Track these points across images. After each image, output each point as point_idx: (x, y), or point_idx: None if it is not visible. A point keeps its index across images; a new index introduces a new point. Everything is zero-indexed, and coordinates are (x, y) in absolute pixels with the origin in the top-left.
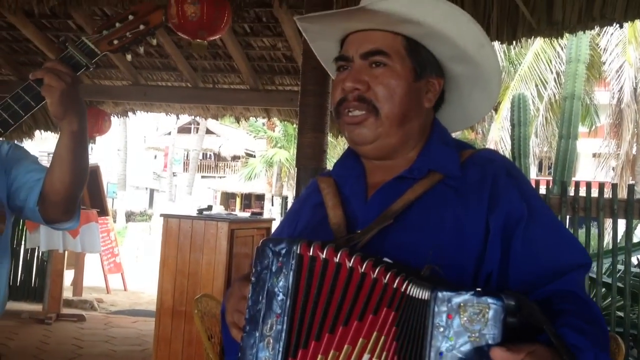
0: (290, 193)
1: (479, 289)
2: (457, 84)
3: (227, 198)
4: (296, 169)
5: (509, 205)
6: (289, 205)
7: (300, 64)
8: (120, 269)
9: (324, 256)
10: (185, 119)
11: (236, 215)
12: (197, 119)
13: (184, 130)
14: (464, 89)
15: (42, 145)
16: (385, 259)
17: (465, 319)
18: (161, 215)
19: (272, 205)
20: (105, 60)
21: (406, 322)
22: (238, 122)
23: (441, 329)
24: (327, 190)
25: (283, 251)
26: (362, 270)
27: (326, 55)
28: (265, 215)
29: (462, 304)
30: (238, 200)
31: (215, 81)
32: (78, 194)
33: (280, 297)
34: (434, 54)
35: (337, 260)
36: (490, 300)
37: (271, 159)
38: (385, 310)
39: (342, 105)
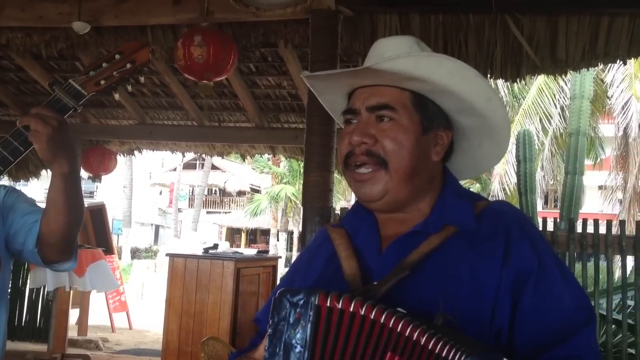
0: (295, 228)
1: None
2: (465, 135)
3: (233, 233)
4: (302, 207)
5: (520, 260)
6: (295, 240)
7: (306, 102)
8: (126, 307)
9: (341, 307)
10: (190, 155)
11: (242, 253)
12: (203, 155)
13: (189, 166)
14: (473, 139)
15: (47, 183)
16: (400, 309)
17: None
18: (167, 254)
19: (278, 240)
20: (111, 100)
21: None
22: (244, 159)
23: None
24: (340, 241)
25: (301, 302)
26: (382, 320)
27: (334, 106)
28: (272, 250)
29: None
30: (243, 235)
31: (220, 119)
32: (74, 234)
33: (298, 349)
34: (441, 107)
35: (355, 311)
36: None
37: (277, 194)
38: (389, 354)
39: (350, 158)
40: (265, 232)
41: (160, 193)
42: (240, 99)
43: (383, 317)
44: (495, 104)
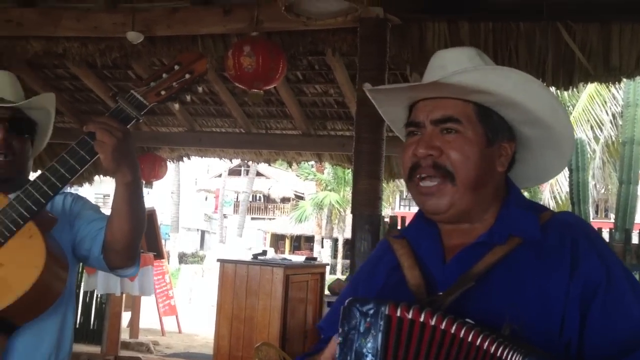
0: (340, 235)
1: None
2: (529, 145)
3: (277, 240)
4: (351, 215)
5: (588, 272)
6: (340, 247)
7: (354, 111)
8: (175, 311)
9: (411, 317)
10: (236, 161)
11: (291, 260)
12: (248, 162)
13: (234, 172)
14: (536, 149)
15: (99, 188)
16: (468, 320)
17: None
18: (218, 260)
19: (322, 247)
20: (162, 108)
21: None
22: (290, 166)
23: None
24: (402, 251)
25: (371, 312)
26: (452, 331)
27: (394, 117)
28: (316, 257)
29: None
30: (287, 242)
31: (268, 127)
32: (138, 241)
33: (369, 357)
34: (505, 118)
35: (425, 321)
36: None
37: (321, 201)
38: None
39: (415, 170)
40: (310, 239)
41: (206, 199)
42: (287, 107)
43: (453, 327)
44: (560, 115)
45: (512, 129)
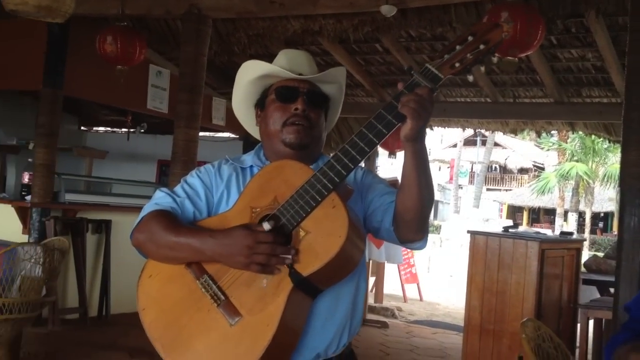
0: (587, 209)
1: None
2: None
3: (514, 211)
4: (619, 189)
5: None
6: (587, 221)
7: (615, 76)
8: (416, 279)
9: None
10: (470, 130)
11: (545, 234)
12: (483, 131)
13: (469, 142)
14: None
15: None
16: None
17: None
18: (468, 231)
19: (565, 220)
20: (407, 79)
21: None
22: (539, 137)
23: None
24: None
25: None
26: None
27: None
28: (557, 231)
29: None
30: (525, 214)
31: (516, 95)
32: (428, 212)
33: None
34: None
35: None
36: None
37: (567, 172)
38: None
39: None
40: (549, 212)
41: (439, 169)
42: (538, 74)
43: None
44: None
45: None
